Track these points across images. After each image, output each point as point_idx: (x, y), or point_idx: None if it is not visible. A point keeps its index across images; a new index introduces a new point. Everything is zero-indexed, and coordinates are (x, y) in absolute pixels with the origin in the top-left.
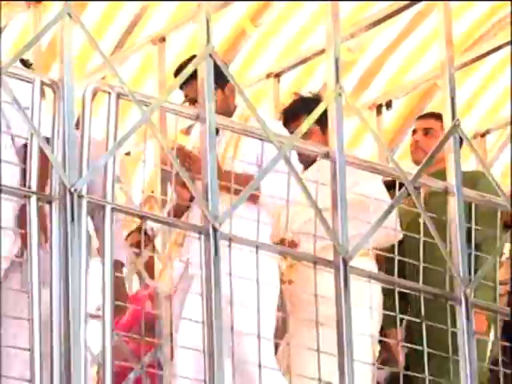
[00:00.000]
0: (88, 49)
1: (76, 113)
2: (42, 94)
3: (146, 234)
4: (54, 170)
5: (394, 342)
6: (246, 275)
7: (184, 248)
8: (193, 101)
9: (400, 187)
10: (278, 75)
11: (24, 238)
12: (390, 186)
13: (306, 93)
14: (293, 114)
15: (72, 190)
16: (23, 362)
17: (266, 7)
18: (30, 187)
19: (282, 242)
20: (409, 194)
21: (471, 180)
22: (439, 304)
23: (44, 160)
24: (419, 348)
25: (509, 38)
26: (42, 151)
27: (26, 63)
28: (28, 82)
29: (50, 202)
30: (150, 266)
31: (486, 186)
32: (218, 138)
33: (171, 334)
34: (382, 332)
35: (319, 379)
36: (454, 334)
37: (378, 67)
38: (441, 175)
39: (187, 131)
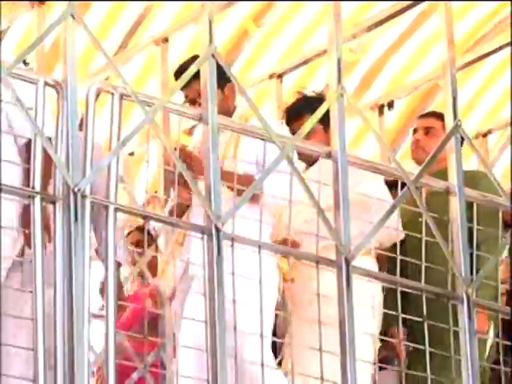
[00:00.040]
0: (91, 49)
1: (79, 113)
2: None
3: (148, 233)
4: (57, 170)
5: (396, 341)
6: (246, 274)
7: (184, 247)
8: (193, 101)
9: (402, 187)
10: (280, 75)
11: (27, 238)
12: (391, 185)
13: (309, 92)
14: (296, 112)
15: (75, 190)
16: (23, 362)
17: (269, 8)
18: (33, 187)
19: (284, 241)
20: (411, 194)
21: (472, 180)
22: (439, 303)
23: (46, 160)
24: (421, 347)
25: (509, 39)
26: (44, 151)
27: (24, 62)
28: (31, 82)
29: (53, 202)
30: (152, 266)
31: (486, 185)
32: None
33: (173, 334)
34: (385, 331)
35: (321, 378)
36: (453, 333)
37: (380, 68)
38: (442, 174)
39: (190, 131)
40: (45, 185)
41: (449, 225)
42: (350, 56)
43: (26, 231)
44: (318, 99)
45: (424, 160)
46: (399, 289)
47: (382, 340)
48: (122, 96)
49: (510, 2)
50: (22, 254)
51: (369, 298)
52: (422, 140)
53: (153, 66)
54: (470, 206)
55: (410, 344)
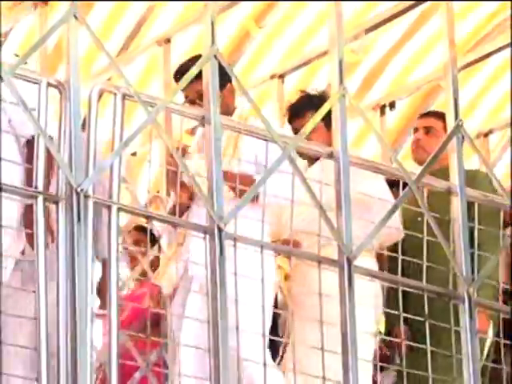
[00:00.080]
0: (94, 50)
1: (82, 114)
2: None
3: (151, 233)
4: (60, 170)
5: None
6: (246, 273)
7: (184, 247)
8: (192, 102)
9: (403, 187)
10: (282, 76)
11: (29, 238)
12: (391, 184)
13: (311, 90)
14: (298, 110)
15: (78, 190)
16: (23, 361)
17: (270, 9)
18: (36, 187)
19: (285, 241)
20: (412, 194)
21: (470, 179)
22: (439, 303)
23: (47, 159)
24: (422, 346)
25: (510, 40)
26: (47, 151)
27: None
28: (34, 83)
29: (56, 202)
30: (155, 266)
31: (484, 185)
32: None
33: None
34: (389, 331)
35: (323, 377)
36: (450, 333)
37: (382, 68)
38: (443, 173)
39: (192, 131)
40: (46, 184)
41: (449, 224)
42: (352, 57)
43: (29, 231)
44: (321, 97)
45: (424, 159)
46: (400, 288)
47: (384, 339)
48: (124, 96)
49: (510, 3)
50: (22, 253)
51: (367, 298)
52: (423, 139)
53: (155, 66)
54: (470, 205)
55: (413, 343)
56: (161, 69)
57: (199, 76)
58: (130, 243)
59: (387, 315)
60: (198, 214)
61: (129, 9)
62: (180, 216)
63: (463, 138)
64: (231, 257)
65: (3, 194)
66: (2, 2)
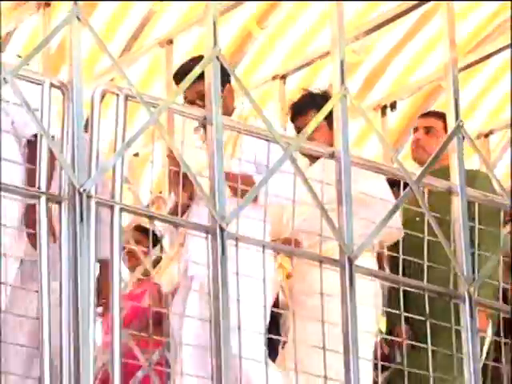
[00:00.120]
0: (96, 51)
1: (85, 114)
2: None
3: (153, 233)
4: (63, 170)
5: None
6: (245, 272)
7: (184, 247)
8: (192, 102)
9: (404, 187)
10: (283, 77)
11: (31, 238)
12: (392, 184)
13: (314, 89)
14: (301, 108)
15: (81, 190)
16: (23, 361)
17: (272, 9)
18: (39, 187)
19: (286, 241)
20: (413, 194)
21: (470, 179)
22: (440, 302)
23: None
24: (423, 346)
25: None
26: (49, 151)
27: None
28: (37, 83)
29: (59, 203)
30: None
31: (483, 184)
32: None
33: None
34: (390, 330)
35: (325, 376)
36: (451, 332)
37: (383, 69)
38: (443, 173)
39: (194, 132)
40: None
41: (450, 223)
42: (353, 57)
43: (31, 231)
44: (323, 96)
45: (424, 159)
46: (401, 288)
47: (386, 338)
48: (127, 97)
49: (510, 3)
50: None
51: (368, 297)
52: (422, 139)
53: (157, 67)
54: (470, 205)
55: (414, 343)
56: (163, 70)
57: (199, 77)
58: (129, 243)
59: (388, 315)
60: (198, 214)
61: (131, 10)
62: (180, 216)
63: (464, 138)
64: (233, 257)
65: (6, 193)
66: (5, 3)
